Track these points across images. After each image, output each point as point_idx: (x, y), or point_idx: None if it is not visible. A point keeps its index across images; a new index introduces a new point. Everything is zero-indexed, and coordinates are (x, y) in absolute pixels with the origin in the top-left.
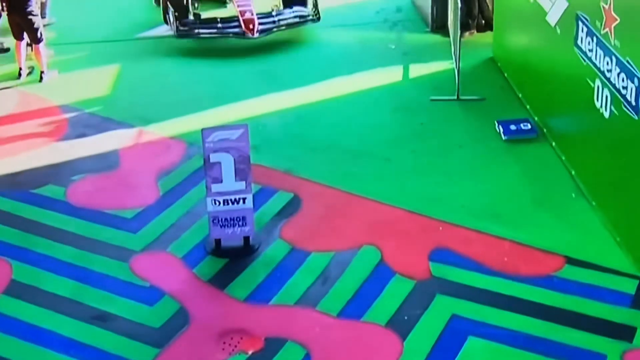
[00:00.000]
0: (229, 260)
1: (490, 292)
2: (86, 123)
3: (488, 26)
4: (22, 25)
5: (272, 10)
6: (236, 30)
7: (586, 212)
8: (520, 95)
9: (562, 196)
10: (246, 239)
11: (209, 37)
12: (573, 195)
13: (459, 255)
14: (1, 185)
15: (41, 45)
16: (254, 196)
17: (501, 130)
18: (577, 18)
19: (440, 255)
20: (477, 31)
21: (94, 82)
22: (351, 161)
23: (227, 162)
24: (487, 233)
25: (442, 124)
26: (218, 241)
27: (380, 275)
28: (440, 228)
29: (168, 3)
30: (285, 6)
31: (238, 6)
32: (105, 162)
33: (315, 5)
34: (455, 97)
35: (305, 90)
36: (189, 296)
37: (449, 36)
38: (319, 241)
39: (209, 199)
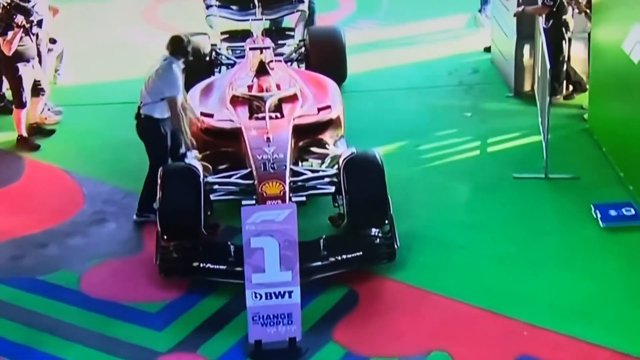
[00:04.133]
0: None
1: None
2: (105, 198)
3: (575, 91)
4: (9, 85)
5: (326, 237)
6: None
7: None
8: (621, 174)
9: None
10: (292, 340)
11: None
12: None
13: None
14: (4, 270)
15: (22, 112)
16: (302, 289)
17: (599, 215)
18: None
19: None
20: (564, 98)
21: (115, 150)
22: (418, 249)
23: (270, 248)
24: (581, 339)
25: (527, 206)
26: (258, 342)
27: None
28: (525, 332)
29: (157, 219)
30: (353, 223)
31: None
32: (127, 244)
33: (391, 231)
34: (543, 175)
35: None
36: None
37: (535, 102)
38: (379, 345)
39: (248, 292)
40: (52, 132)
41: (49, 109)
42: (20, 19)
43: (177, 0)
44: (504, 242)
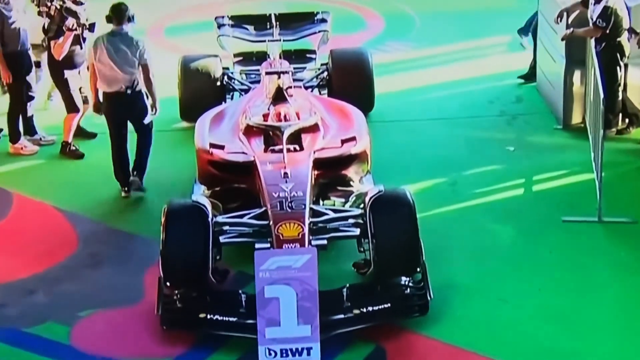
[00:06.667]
0: None
1: None
2: (102, 239)
3: (631, 125)
4: (59, 90)
5: (349, 286)
6: None
7: None
8: None
9: None
10: None
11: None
12: None
13: None
14: None
15: (75, 117)
16: (322, 345)
17: None
18: None
19: None
20: (617, 133)
21: (114, 186)
22: (454, 301)
23: (287, 298)
24: None
25: (578, 254)
26: None
27: None
28: None
29: (160, 269)
30: (381, 271)
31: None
32: (124, 292)
33: (424, 280)
34: (597, 219)
35: None
36: None
37: (586, 136)
38: None
39: (261, 348)
40: (93, 135)
41: (41, 138)
42: (71, 22)
43: (185, 19)
44: (552, 295)
